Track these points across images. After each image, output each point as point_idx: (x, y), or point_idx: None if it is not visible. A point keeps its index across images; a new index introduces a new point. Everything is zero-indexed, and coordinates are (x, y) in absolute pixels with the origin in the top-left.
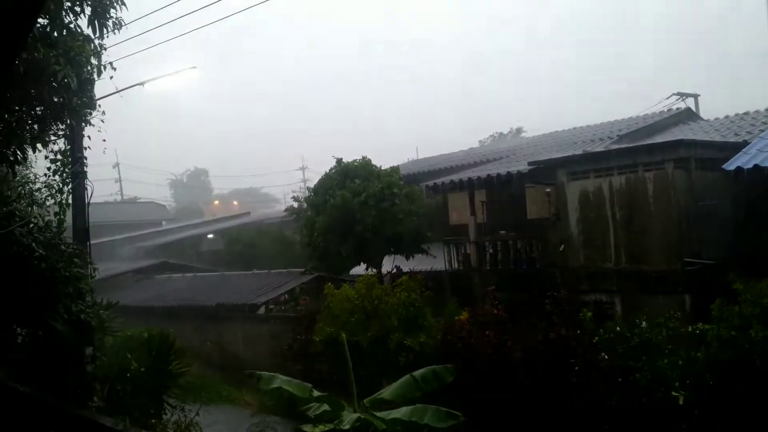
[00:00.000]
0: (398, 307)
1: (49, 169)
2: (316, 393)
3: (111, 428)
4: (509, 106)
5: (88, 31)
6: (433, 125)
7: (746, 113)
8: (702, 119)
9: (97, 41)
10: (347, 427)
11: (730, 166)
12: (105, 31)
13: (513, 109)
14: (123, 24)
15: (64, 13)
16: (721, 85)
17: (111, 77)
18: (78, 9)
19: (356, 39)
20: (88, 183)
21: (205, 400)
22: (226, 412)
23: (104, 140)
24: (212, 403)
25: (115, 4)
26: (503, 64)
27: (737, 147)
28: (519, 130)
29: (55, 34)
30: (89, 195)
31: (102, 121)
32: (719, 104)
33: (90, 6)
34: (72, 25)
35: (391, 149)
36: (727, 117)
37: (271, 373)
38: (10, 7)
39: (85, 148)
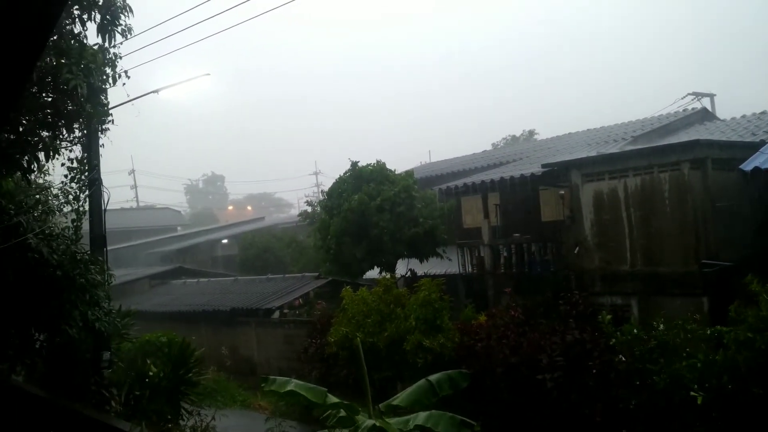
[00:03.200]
0: (416, 307)
1: (66, 176)
2: (331, 398)
3: None
4: (522, 109)
5: (98, 40)
6: (445, 128)
7: (763, 112)
8: (718, 119)
9: (112, 50)
10: None
11: (748, 166)
12: (114, 38)
13: (526, 111)
14: (132, 31)
15: (72, 22)
16: (738, 84)
17: (123, 84)
18: (86, 17)
19: (370, 43)
20: (105, 190)
21: (220, 404)
22: (240, 417)
23: (102, 145)
24: (227, 407)
25: (125, 11)
26: (516, 67)
27: (754, 147)
28: (532, 133)
29: (64, 42)
30: (106, 202)
31: (107, 128)
32: (736, 103)
33: (99, 14)
34: (81, 35)
35: (405, 153)
36: (744, 116)
37: (285, 378)
38: (33, 14)
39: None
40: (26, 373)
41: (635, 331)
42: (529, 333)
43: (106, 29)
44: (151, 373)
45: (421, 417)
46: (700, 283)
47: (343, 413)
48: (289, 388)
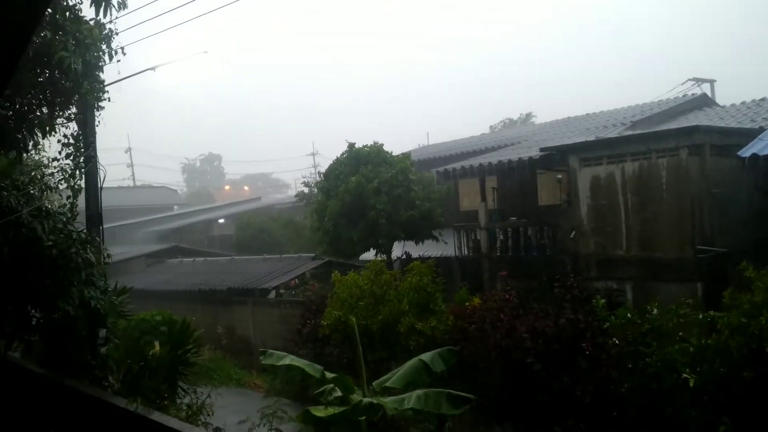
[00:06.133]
0: (409, 292)
1: (60, 152)
2: (328, 374)
3: (124, 409)
4: (520, 92)
5: (92, 13)
6: (444, 111)
7: (763, 99)
8: (718, 105)
9: (108, 26)
10: (359, 410)
11: (746, 152)
12: (108, 11)
13: (524, 94)
14: (126, 5)
15: None
16: (738, 70)
17: (118, 60)
18: None
19: (370, 28)
20: (101, 167)
21: (216, 382)
22: (236, 395)
23: (98, 123)
24: (223, 386)
25: None
26: (515, 50)
27: (753, 134)
28: (529, 116)
29: (57, 16)
30: (102, 179)
31: (102, 107)
32: (736, 90)
33: None
34: (76, 7)
35: (402, 134)
36: (743, 103)
37: (282, 353)
38: None
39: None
40: (23, 350)
41: (629, 315)
42: (522, 316)
43: (99, 2)
44: (152, 352)
45: (417, 396)
46: (694, 269)
47: (338, 392)
48: (286, 362)
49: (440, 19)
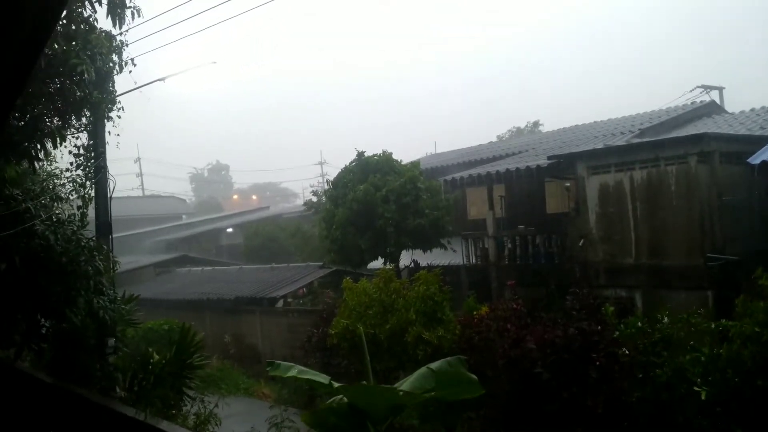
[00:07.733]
0: (416, 301)
1: (72, 163)
2: (335, 384)
3: (133, 418)
4: (528, 100)
5: (107, 25)
6: (451, 120)
7: None
8: (727, 112)
9: (119, 37)
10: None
11: (755, 160)
12: (123, 21)
13: (524, 99)
14: (141, 13)
15: (81, 5)
16: (747, 77)
17: (130, 71)
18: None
19: (378, 35)
20: (111, 177)
21: (224, 391)
22: (244, 404)
23: (118, 134)
24: (231, 395)
25: None
26: (514, 53)
27: (763, 141)
28: (536, 124)
29: (73, 27)
30: (111, 189)
31: (119, 116)
32: (745, 97)
33: None
34: (91, 18)
35: (411, 143)
36: (752, 110)
37: (289, 363)
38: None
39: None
40: (33, 359)
41: (639, 324)
42: (531, 326)
43: (115, 11)
44: (154, 360)
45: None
46: (704, 276)
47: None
48: (293, 373)
49: (439, 21)
